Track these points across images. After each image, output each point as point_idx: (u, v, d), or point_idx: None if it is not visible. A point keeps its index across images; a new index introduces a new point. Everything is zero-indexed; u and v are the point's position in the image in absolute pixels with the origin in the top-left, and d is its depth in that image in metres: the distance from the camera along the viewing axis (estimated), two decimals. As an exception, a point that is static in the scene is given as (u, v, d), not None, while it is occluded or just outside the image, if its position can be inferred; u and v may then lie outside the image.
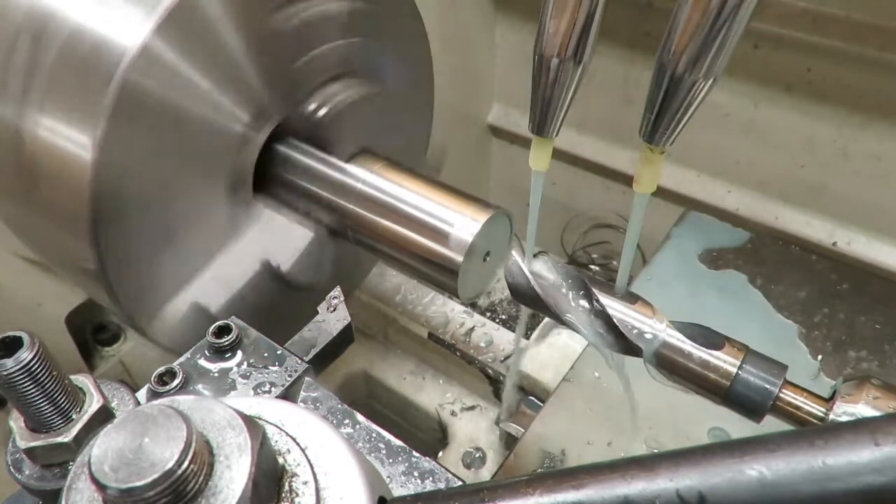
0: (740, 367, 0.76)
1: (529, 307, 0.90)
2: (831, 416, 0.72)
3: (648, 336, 0.80)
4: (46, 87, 0.82)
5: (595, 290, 0.84)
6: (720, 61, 0.61)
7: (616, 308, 0.82)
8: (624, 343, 0.81)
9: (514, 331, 1.56)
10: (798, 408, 0.74)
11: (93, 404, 0.55)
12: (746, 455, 0.40)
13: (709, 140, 1.62)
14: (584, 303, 0.85)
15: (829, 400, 0.74)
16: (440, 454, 1.53)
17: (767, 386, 0.75)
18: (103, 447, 0.38)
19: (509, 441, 1.46)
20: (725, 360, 0.77)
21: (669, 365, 0.80)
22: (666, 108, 0.65)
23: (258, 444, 0.41)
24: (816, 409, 0.73)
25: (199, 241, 0.98)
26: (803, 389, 0.75)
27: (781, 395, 0.75)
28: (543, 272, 0.87)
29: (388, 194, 0.99)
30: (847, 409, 0.71)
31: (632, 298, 0.83)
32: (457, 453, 1.52)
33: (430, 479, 0.63)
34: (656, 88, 0.65)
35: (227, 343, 0.72)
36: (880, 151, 1.43)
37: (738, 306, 1.32)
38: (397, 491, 0.62)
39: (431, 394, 1.61)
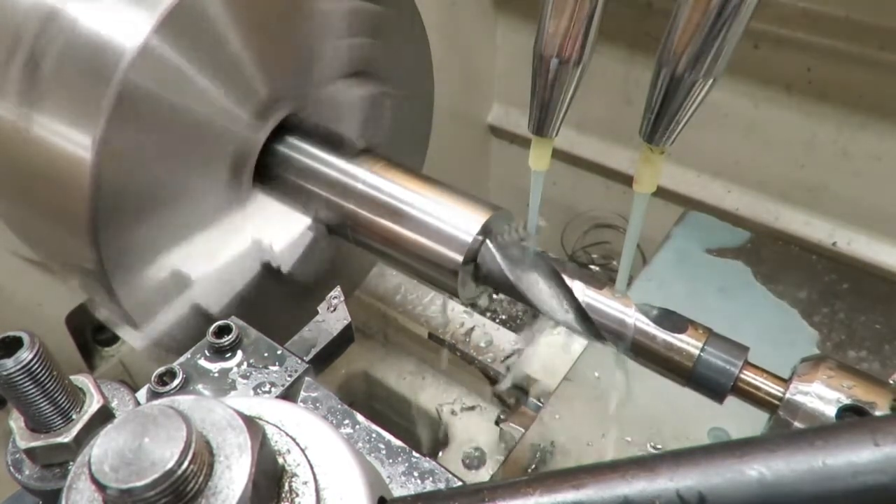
0: (702, 350, 0.78)
1: (504, 294, 0.92)
2: (787, 396, 0.74)
3: (618, 321, 0.82)
4: (47, 86, 0.82)
5: (566, 278, 0.86)
6: (720, 61, 0.61)
7: (586, 294, 0.85)
8: (594, 329, 0.84)
9: (515, 331, 1.56)
10: (758, 388, 0.77)
11: (93, 404, 0.55)
12: (746, 455, 0.40)
13: (709, 140, 1.62)
14: (555, 290, 0.86)
15: (788, 380, 0.76)
16: (440, 454, 1.53)
17: (728, 367, 0.77)
18: (103, 447, 0.38)
19: (509, 441, 1.46)
20: (688, 343, 0.79)
21: (635, 347, 0.82)
22: (666, 109, 0.65)
23: (258, 444, 0.41)
24: (775, 388, 0.76)
25: (199, 240, 0.98)
26: (763, 370, 0.78)
27: (742, 375, 0.77)
28: (516, 259, 0.88)
29: (388, 194, 0.99)
30: (802, 388, 0.73)
31: (600, 284, 0.86)
32: (457, 453, 1.52)
33: (430, 479, 0.63)
34: (656, 89, 0.65)
35: (227, 343, 0.72)
36: (880, 151, 1.43)
37: (739, 306, 1.33)
38: (397, 491, 0.62)
39: (431, 394, 1.61)
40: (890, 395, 0.70)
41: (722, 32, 0.59)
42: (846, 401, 0.71)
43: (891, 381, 0.73)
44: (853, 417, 0.70)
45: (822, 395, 0.72)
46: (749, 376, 0.77)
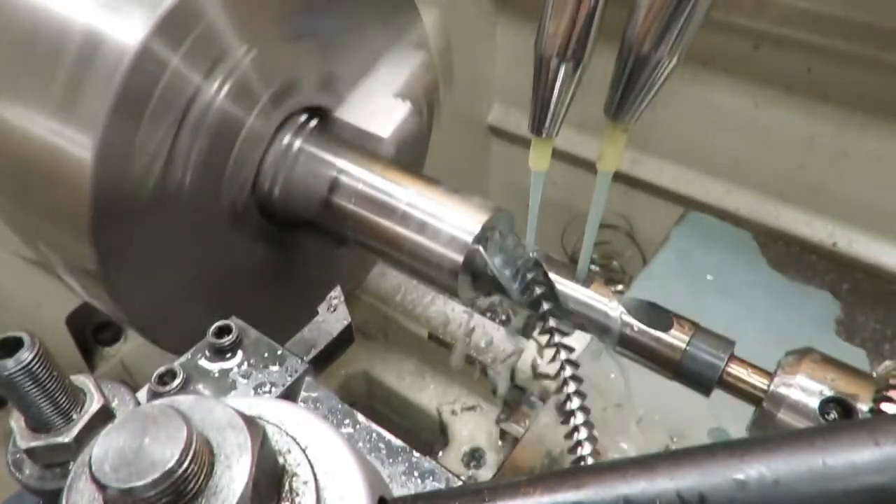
0: (689, 344, 0.80)
1: (498, 293, 0.93)
2: (771, 388, 0.75)
3: (605, 318, 0.84)
4: (46, 86, 0.82)
5: (553, 275, 0.87)
6: (684, 40, 0.61)
7: (574, 291, 0.86)
8: (580, 325, 0.85)
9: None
10: (743, 381, 0.78)
11: (93, 404, 0.55)
12: (746, 455, 0.40)
13: (709, 140, 1.62)
14: (543, 288, 0.87)
15: (773, 373, 0.77)
16: (440, 454, 1.53)
17: (714, 361, 0.79)
18: (104, 447, 0.38)
19: (509, 441, 1.46)
20: (675, 337, 0.81)
21: (622, 342, 0.84)
22: (631, 87, 0.66)
23: (258, 443, 0.41)
24: (760, 381, 0.77)
25: (200, 240, 0.98)
26: (749, 364, 0.79)
27: (728, 369, 0.79)
28: (506, 259, 0.90)
29: (388, 194, 0.99)
30: (785, 381, 0.74)
31: (588, 281, 0.87)
32: (457, 453, 1.52)
33: (430, 479, 0.63)
34: (621, 66, 0.66)
35: (227, 343, 0.72)
36: (880, 151, 1.43)
37: (739, 306, 1.33)
38: (397, 491, 0.62)
39: (431, 394, 1.61)
40: (872, 388, 0.71)
41: (686, 11, 0.59)
42: (829, 393, 0.72)
43: (874, 374, 0.73)
44: (835, 410, 0.71)
45: (805, 388, 0.73)
46: (735, 370, 0.79)
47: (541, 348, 1.37)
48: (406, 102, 1.10)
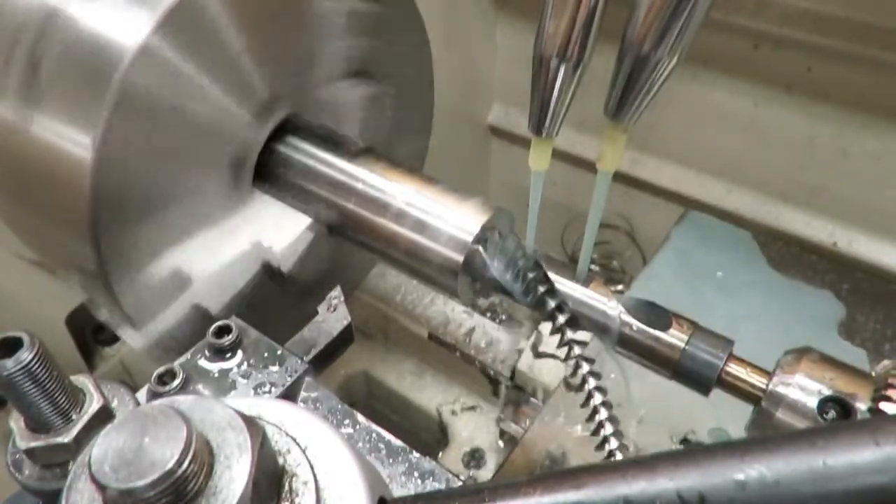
0: (687, 343, 0.80)
1: (498, 294, 0.93)
2: (770, 387, 0.75)
3: (604, 317, 0.84)
4: (47, 86, 0.82)
5: (553, 275, 0.87)
6: (684, 40, 0.61)
7: (573, 290, 0.86)
8: (578, 324, 0.85)
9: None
10: (742, 380, 0.78)
11: (93, 404, 0.55)
12: (746, 455, 0.40)
13: (709, 140, 1.62)
14: (542, 287, 0.87)
15: (772, 373, 0.77)
16: (440, 454, 1.53)
17: (713, 360, 0.79)
18: (103, 447, 0.38)
19: (509, 441, 1.46)
20: (674, 337, 0.81)
21: (621, 341, 0.84)
22: (631, 87, 0.66)
23: (258, 444, 0.41)
24: (759, 381, 0.77)
25: (199, 240, 0.98)
26: (748, 363, 0.79)
27: (727, 368, 0.79)
28: (503, 258, 0.89)
29: (388, 194, 0.99)
30: (784, 380, 0.74)
31: (588, 281, 0.87)
32: (457, 453, 1.52)
33: (430, 479, 0.63)
34: (621, 66, 0.66)
35: (227, 343, 0.72)
36: (880, 151, 1.43)
37: (739, 306, 1.33)
38: (397, 491, 0.62)
39: (431, 394, 1.61)
40: (871, 387, 0.71)
41: (686, 11, 0.59)
42: (828, 392, 0.72)
43: (873, 374, 0.73)
44: (834, 409, 0.71)
45: (804, 387, 0.73)
46: (733, 369, 0.79)
47: (537, 348, 1.37)
48: None
